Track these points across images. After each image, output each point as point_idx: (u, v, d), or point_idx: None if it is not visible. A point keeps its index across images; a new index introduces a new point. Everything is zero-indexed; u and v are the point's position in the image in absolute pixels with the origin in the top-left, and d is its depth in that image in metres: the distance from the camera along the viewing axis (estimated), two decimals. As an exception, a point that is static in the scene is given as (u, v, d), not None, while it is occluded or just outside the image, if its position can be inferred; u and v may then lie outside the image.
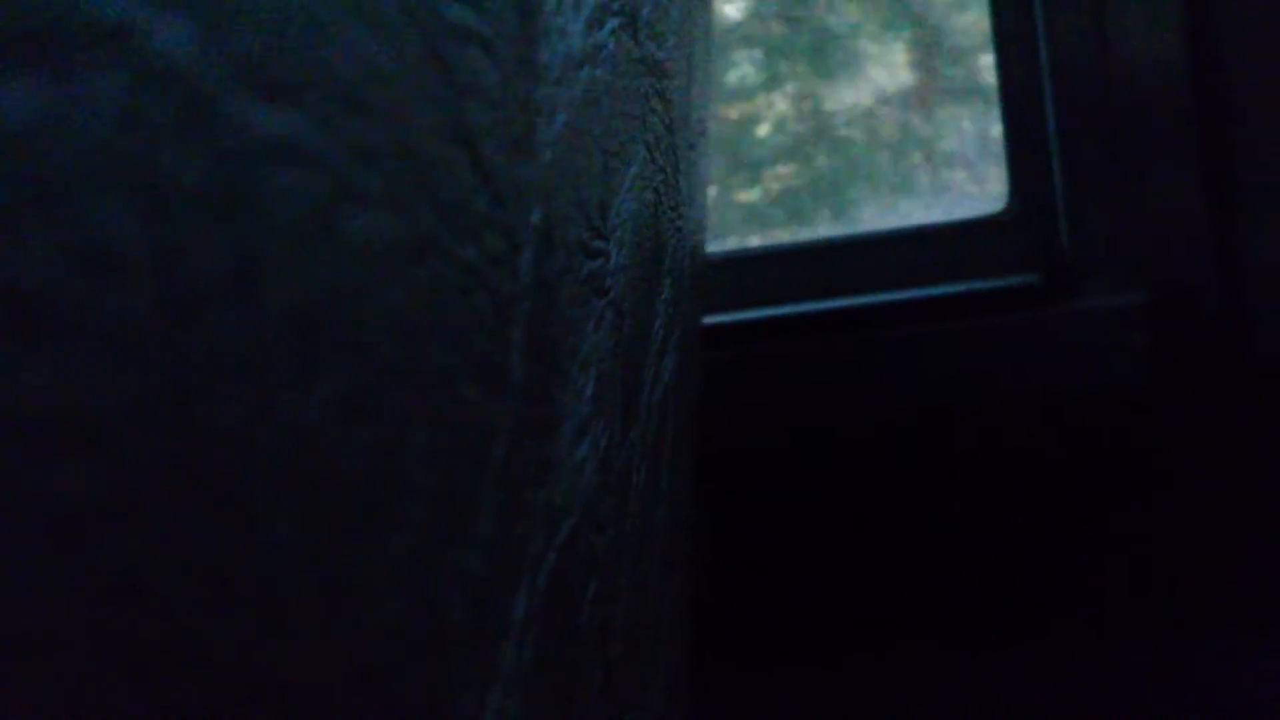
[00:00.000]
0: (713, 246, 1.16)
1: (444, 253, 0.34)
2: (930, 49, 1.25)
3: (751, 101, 1.34)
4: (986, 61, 1.20)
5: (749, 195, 1.31)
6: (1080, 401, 0.99)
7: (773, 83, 1.36)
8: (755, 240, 1.30)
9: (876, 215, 1.23)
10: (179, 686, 0.22)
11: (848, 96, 1.30)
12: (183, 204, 0.22)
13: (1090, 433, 1.00)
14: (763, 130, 1.34)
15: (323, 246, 0.27)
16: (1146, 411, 0.99)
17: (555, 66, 0.43)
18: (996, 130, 1.17)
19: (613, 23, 0.49)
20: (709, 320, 1.01)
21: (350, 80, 0.28)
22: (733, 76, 1.37)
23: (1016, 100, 1.06)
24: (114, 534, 0.20)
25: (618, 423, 0.49)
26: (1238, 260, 0.96)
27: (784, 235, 1.28)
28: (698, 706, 0.83)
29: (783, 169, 1.31)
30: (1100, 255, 1.00)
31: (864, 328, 1.01)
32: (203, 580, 0.23)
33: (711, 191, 1.26)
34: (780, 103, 1.35)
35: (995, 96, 1.10)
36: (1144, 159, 0.98)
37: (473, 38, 0.37)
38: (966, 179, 1.22)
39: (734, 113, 1.34)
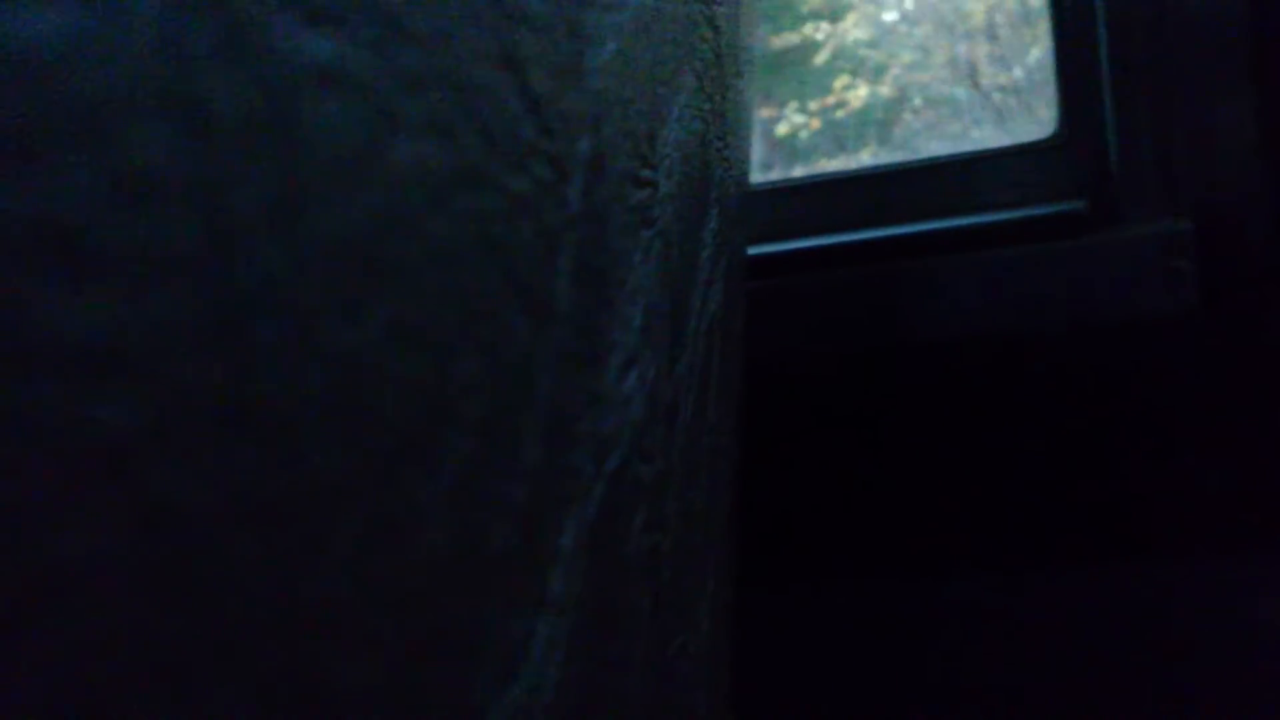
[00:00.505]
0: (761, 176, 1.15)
1: (491, 181, 0.34)
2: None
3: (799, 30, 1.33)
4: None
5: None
6: (1127, 328, 0.98)
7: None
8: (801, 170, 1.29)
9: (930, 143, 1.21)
10: (223, 615, 0.22)
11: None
12: (225, 131, 0.21)
13: (1136, 359, 0.99)
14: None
15: (368, 175, 0.27)
16: (1192, 338, 0.97)
17: None
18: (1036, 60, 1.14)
19: None
20: (757, 250, 1.01)
21: (396, 4, 0.28)
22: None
23: (1069, 26, 1.04)
24: (158, 464, 0.20)
25: (665, 354, 0.49)
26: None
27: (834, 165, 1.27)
28: (743, 624, 0.83)
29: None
30: (1149, 182, 0.98)
31: (912, 256, 1.00)
32: (247, 510, 0.23)
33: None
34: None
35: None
36: (1194, 86, 0.96)
37: None
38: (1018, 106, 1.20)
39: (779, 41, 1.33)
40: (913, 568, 1.06)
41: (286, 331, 0.24)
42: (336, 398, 0.26)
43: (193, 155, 0.20)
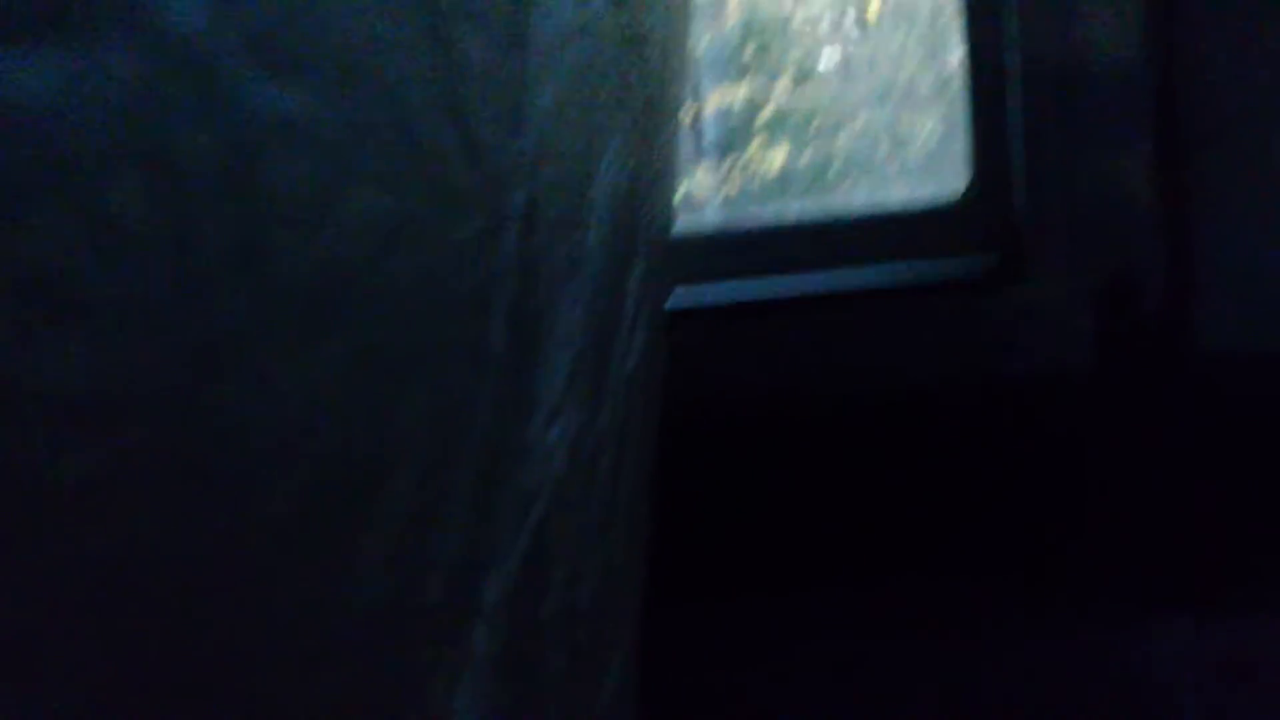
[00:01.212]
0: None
1: (434, 230, 0.34)
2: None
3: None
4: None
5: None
6: (1030, 382, 1.00)
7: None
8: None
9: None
10: (174, 661, 0.22)
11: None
12: (196, 182, 0.21)
13: (1038, 413, 1.02)
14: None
15: (322, 225, 0.27)
16: (1093, 396, 1.00)
17: (546, 40, 0.43)
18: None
19: None
20: (675, 299, 1.01)
21: (351, 55, 0.28)
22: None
23: (981, 85, 1.06)
24: (119, 512, 0.20)
25: (588, 404, 0.49)
26: (1186, 251, 0.98)
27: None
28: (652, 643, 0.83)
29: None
30: (1054, 242, 1.01)
31: (822, 309, 1.02)
32: (203, 560, 0.23)
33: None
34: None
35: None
36: (1100, 152, 0.99)
37: (468, 11, 0.36)
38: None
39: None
40: (815, 625, 1.07)
41: (243, 381, 0.24)
42: (291, 446, 0.26)
43: (166, 205, 0.21)
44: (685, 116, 0.79)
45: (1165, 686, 1.02)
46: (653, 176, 0.61)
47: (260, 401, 0.24)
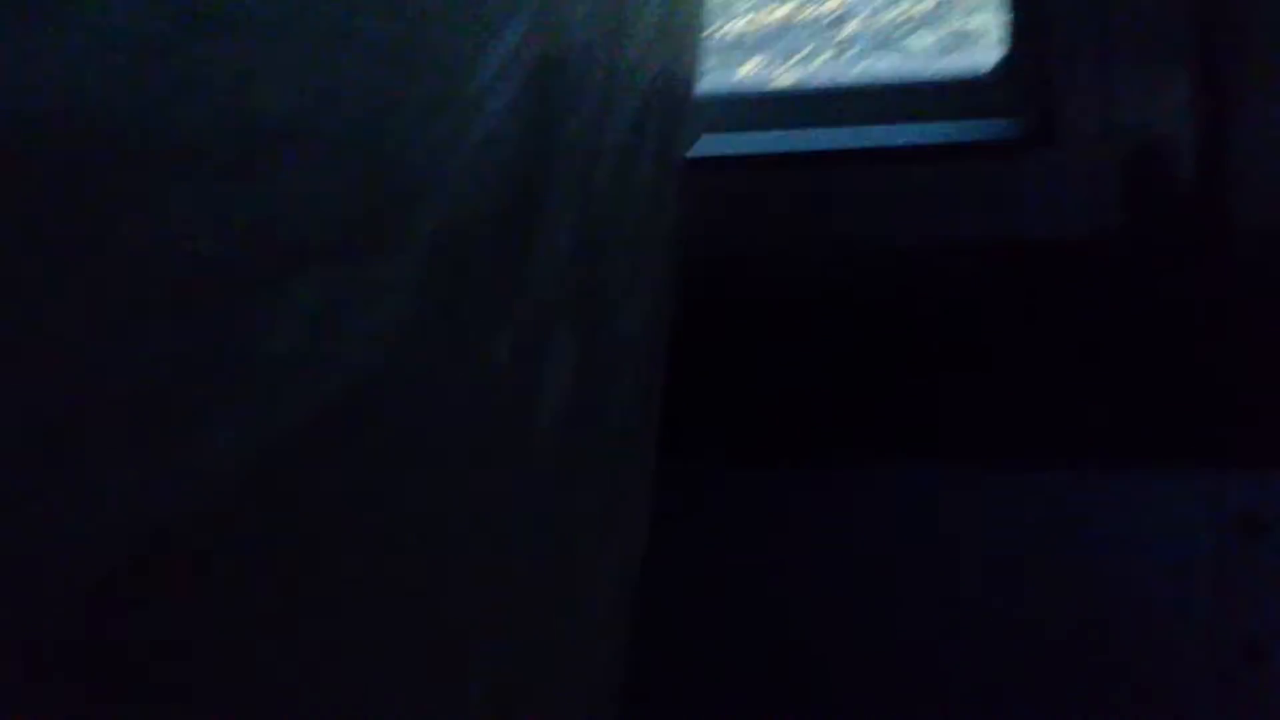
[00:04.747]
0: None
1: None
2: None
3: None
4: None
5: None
6: (1056, 247, 1.01)
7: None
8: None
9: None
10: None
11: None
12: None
13: (1060, 277, 1.03)
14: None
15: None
16: (1119, 263, 1.01)
17: None
18: None
19: None
20: (705, 150, 1.02)
21: None
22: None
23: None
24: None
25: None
26: (1220, 124, 0.98)
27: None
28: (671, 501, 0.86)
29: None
30: (1087, 109, 1.01)
31: (854, 166, 1.03)
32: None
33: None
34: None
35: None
36: (1134, 18, 0.99)
37: None
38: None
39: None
40: (825, 458, 1.10)
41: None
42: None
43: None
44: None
45: (1186, 538, 1.04)
46: (678, 27, 0.63)
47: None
